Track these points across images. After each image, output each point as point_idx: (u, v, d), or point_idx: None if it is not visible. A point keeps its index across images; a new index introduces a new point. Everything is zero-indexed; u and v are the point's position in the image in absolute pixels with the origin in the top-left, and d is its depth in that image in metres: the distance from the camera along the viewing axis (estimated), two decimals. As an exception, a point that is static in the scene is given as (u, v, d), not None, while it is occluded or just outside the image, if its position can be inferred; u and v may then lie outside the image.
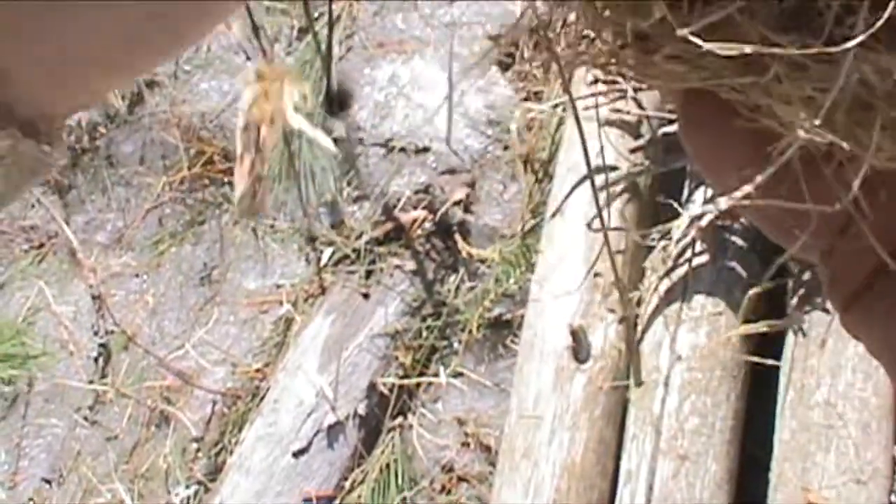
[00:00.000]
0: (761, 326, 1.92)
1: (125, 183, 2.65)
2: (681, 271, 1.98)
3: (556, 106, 2.32)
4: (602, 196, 1.91)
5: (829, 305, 1.90)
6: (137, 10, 0.42)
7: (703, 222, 1.97)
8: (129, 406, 2.39)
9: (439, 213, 2.38)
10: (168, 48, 0.46)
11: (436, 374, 2.26)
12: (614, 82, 2.03)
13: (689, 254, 1.99)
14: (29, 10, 0.41)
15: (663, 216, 2.05)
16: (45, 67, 0.43)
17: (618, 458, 1.91)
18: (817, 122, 0.42)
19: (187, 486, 2.27)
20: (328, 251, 2.43)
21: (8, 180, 0.44)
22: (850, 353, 1.85)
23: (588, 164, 1.69)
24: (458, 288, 2.33)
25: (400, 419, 2.22)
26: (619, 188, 2.05)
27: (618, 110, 2.12)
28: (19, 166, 0.44)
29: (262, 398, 2.26)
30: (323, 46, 2.49)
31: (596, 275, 1.99)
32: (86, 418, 2.41)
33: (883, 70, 0.41)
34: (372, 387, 2.21)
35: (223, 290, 2.49)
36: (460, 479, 2.17)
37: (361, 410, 2.19)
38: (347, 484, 2.15)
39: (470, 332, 2.26)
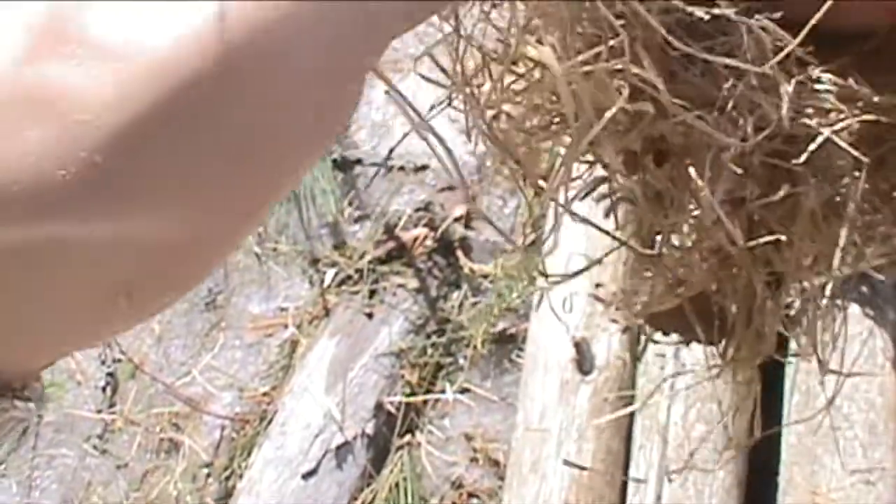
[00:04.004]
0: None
1: (127, 212, 2.66)
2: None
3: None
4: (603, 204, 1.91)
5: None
6: (107, 282, 0.41)
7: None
8: (138, 434, 2.40)
9: (440, 231, 2.38)
10: (137, 319, 0.45)
11: (442, 391, 2.26)
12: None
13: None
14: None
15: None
16: (16, 336, 0.42)
17: (626, 468, 1.91)
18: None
19: (198, 512, 2.28)
20: (331, 272, 2.43)
21: None
22: (854, 353, 1.85)
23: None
24: (461, 304, 2.34)
25: (408, 437, 2.22)
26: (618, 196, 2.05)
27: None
28: None
29: (270, 421, 2.26)
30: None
31: (598, 285, 1.99)
32: (95, 447, 2.41)
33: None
34: (379, 406, 2.21)
35: (228, 315, 2.50)
36: (470, 494, 2.17)
37: (369, 430, 2.19)
38: (358, 504, 2.15)
39: (475, 347, 2.26)
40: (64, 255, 0.39)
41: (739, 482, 1.85)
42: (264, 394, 2.36)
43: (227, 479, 2.29)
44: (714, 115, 0.52)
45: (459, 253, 2.37)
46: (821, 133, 0.52)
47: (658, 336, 0.67)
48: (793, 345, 1.84)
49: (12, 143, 0.38)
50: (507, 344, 2.27)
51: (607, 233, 0.64)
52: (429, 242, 2.39)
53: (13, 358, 0.42)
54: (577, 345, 1.95)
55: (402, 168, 2.52)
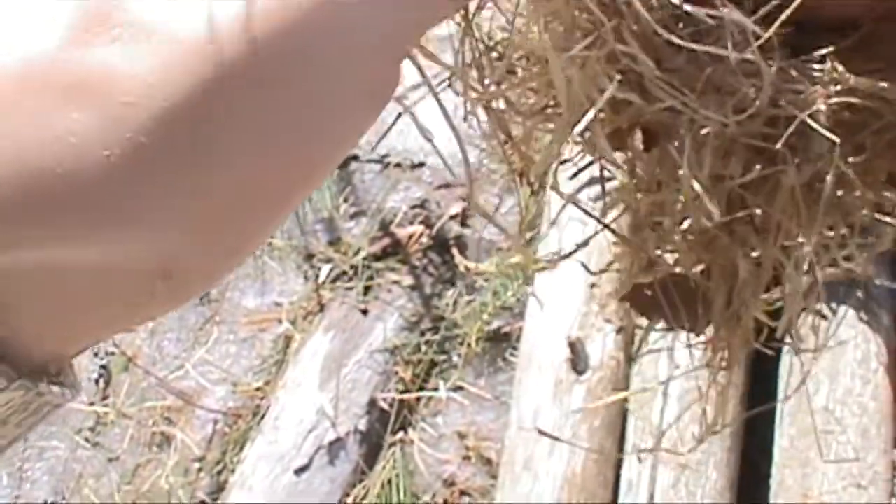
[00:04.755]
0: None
1: (123, 204, 2.65)
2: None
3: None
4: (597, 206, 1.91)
5: (826, 311, 1.90)
6: (133, 272, 0.41)
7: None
8: (130, 427, 2.40)
9: (436, 228, 2.38)
10: (173, 304, 0.45)
11: (436, 389, 2.26)
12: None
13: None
14: (26, 277, 0.40)
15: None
16: (49, 326, 0.42)
17: (618, 468, 1.91)
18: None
19: (190, 506, 2.28)
20: (326, 268, 2.43)
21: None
22: (848, 358, 1.85)
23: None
24: (456, 302, 2.34)
25: (401, 434, 2.22)
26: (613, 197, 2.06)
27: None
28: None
29: (263, 416, 2.26)
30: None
31: (593, 286, 2.00)
32: (87, 440, 2.41)
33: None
34: (372, 402, 2.22)
35: (222, 310, 2.50)
36: (462, 492, 2.17)
37: (362, 426, 2.19)
38: (350, 500, 2.14)
39: (469, 345, 2.27)
40: (105, 237, 0.39)
41: (731, 484, 1.85)
42: (257, 388, 2.36)
43: (219, 473, 2.29)
44: (696, 98, 0.54)
45: (455, 251, 2.37)
46: (798, 115, 0.53)
47: (643, 322, 0.68)
48: (785, 348, 1.84)
49: (56, 126, 0.38)
50: (502, 342, 2.27)
51: (589, 213, 0.65)
52: (424, 240, 2.39)
53: (48, 341, 0.42)
54: (571, 344, 1.95)
55: (398, 165, 2.52)
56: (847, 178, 0.56)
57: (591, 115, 0.54)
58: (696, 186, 0.56)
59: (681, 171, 0.55)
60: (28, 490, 2.39)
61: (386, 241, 2.41)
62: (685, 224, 0.62)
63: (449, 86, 0.61)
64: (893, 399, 1.83)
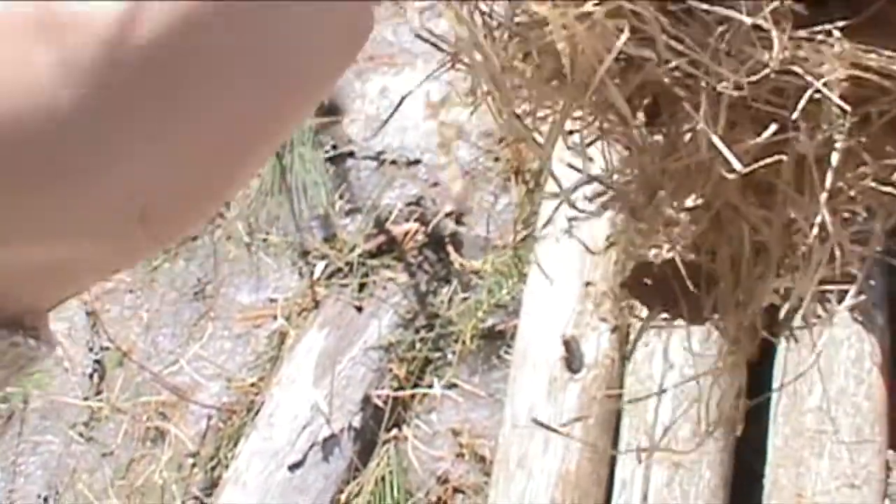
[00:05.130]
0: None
1: (118, 199, 2.65)
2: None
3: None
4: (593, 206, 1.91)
5: (820, 311, 1.90)
6: (108, 211, 0.41)
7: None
8: (124, 422, 2.39)
9: (431, 225, 2.38)
10: (153, 246, 0.45)
11: (430, 386, 2.26)
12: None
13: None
14: (12, 219, 0.40)
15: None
16: (27, 273, 0.42)
17: (612, 466, 1.91)
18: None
19: (183, 502, 2.28)
20: (321, 265, 2.43)
21: None
22: (842, 357, 1.86)
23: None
24: (451, 299, 2.34)
25: (395, 431, 2.22)
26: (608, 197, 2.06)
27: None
28: (4, 363, 0.43)
29: (257, 412, 2.26)
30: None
31: (588, 284, 2.00)
32: (81, 435, 2.41)
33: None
34: (366, 399, 2.22)
35: (217, 305, 2.50)
36: (456, 490, 2.17)
37: (356, 423, 2.19)
38: (343, 497, 2.14)
39: (463, 343, 2.27)
40: (77, 176, 0.39)
41: (725, 484, 1.85)
42: (252, 384, 2.36)
43: (213, 469, 2.29)
44: (707, 60, 0.54)
45: (450, 248, 2.37)
46: (810, 83, 0.53)
47: (643, 313, 0.68)
48: (780, 347, 1.84)
49: (25, 68, 0.38)
50: (496, 340, 2.27)
51: (593, 177, 0.64)
52: (419, 237, 2.39)
53: (25, 292, 0.42)
54: (566, 342, 1.95)
55: (394, 162, 2.52)
56: (855, 151, 0.57)
57: (603, 67, 0.54)
58: (714, 140, 0.56)
59: (699, 126, 0.55)
60: (22, 484, 2.39)
61: (381, 238, 2.41)
62: (692, 197, 0.62)
63: (452, 66, 0.61)
64: (887, 399, 1.83)
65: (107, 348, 2.48)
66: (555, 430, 1.88)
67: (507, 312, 2.28)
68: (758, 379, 1.92)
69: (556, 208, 0.68)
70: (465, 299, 2.33)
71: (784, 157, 0.57)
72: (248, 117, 0.42)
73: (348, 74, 2.63)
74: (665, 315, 0.68)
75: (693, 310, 0.66)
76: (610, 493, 1.89)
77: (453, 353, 2.28)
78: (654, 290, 0.66)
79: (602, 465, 1.91)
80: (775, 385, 1.88)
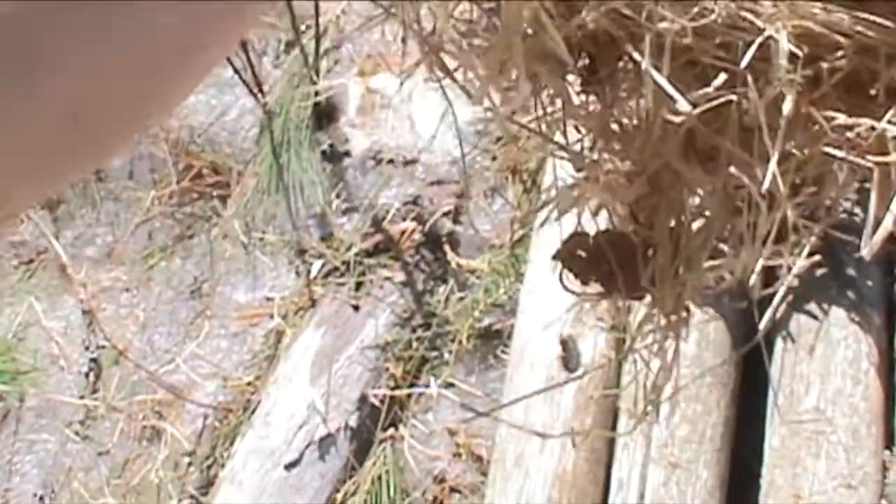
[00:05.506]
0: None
1: (114, 198, 2.65)
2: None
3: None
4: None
5: (816, 311, 1.91)
6: (42, 119, 0.43)
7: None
8: (120, 421, 2.39)
9: (428, 225, 2.38)
10: (87, 156, 0.47)
11: (426, 385, 2.26)
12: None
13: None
14: None
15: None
16: None
17: (609, 466, 1.91)
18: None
19: (179, 501, 2.27)
20: (318, 263, 2.43)
21: None
22: (839, 358, 1.86)
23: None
24: (447, 299, 2.34)
25: (391, 431, 2.22)
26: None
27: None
28: None
29: (254, 411, 2.26)
30: (310, 59, 2.49)
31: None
32: (77, 433, 2.40)
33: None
34: (363, 399, 2.21)
35: (213, 304, 2.49)
36: (452, 489, 2.17)
37: (353, 422, 2.19)
38: (339, 496, 2.14)
39: (460, 342, 2.27)
40: (21, 78, 0.41)
41: (722, 483, 1.85)
42: (248, 383, 2.35)
43: (209, 467, 2.29)
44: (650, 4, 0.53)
45: (447, 247, 2.37)
46: (760, 31, 0.53)
47: (577, 288, 0.67)
48: (777, 348, 1.84)
49: None
50: (493, 339, 2.27)
51: (534, 131, 0.64)
52: (416, 236, 2.38)
53: None
54: (563, 342, 1.95)
55: (390, 161, 2.51)
56: (806, 112, 0.56)
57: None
58: (659, 79, 0.55)
59: (644, 66, 0.55)
60: (17, 483, 2.39)
61: (378, 237, 2.41)
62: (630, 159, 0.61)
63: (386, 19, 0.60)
64: (884, 399, 1.83)
65: (103, 347, 2.48)
66: (550, 436, 1.88)
67: (503, 312, 2.28)
68: (753, 379, 1.93)
69: (553, 204, 0.67)
70: (461, 298, 2.33)
71: (734, 98, 0.55)
72: (162, 39, 0.45)
73: (345, 73, 2.63)
74: (600, 288, 0.67)
75: (629, 282, 0.65)
76: (607, 493, 1.89)
77: (450, 352, 2.28)
78: (589, 262, 0.65)
79: (599, 465, 1.91)
80: (772, 386, 1.88)
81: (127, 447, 2.37)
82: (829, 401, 1.83)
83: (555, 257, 0.66)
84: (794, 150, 0.57)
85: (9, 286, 2.61)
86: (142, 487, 2.31)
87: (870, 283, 1.92)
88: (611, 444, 1.93)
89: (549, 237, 2.07)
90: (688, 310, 0.66)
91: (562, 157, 0.64)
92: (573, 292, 0.66)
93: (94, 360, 2.48)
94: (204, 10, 0.47)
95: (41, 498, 2.36)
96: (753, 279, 0.63)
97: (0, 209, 0.47)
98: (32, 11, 0.42)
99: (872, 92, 0.56)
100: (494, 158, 2.43)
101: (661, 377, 0.70)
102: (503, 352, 2.22)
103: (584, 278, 0.66)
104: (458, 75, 0.60)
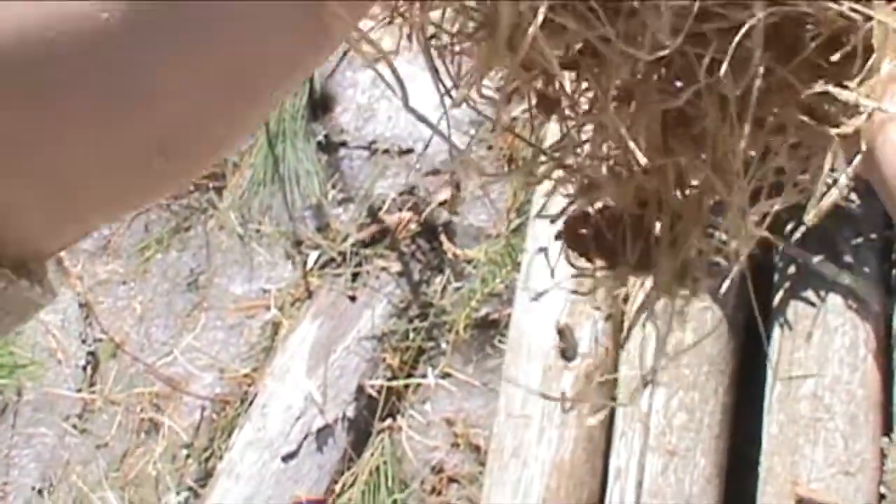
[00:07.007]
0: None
1: (110, 190, 2.64)
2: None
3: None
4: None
5: (814, 298, 1.90)
6: (130, 147, 0.42)
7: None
8: (118, 413, 2.39)
9: (424, 215, 2.38)
10: (169, 183, 0.46)
11: (424, 376, 2.26)
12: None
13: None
14: (28, 151, 0.40)
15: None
16: (40, 203, 0.42)
17: (607, 455, 1.91)
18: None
19: (178, 493, 2.27)
20: (314, 254, 2.42)
21: (1, 322, 0.43)
22: (836, 345, 1.85)
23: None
24: (444, 289, 2.33)
25: (389, 421, 2.22)
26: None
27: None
28: (8, 310, 0.43)
29: (251, 403, 2.26)
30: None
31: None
32: (75, 426, 2.40)
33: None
34: (360, 389, 2.21)
35: (210, 296, 2.49)
36: (450, 479, 2.17)
37: (350, 413, 2.19)
38: (337, 487, 2.14)
39: (457, 332, 2.26)
40: (97, 108, 0.40)
41: (720, 471, 1.85)
42: (245, 375, 2.35)
43: (207, 459, 2.29)
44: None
45: (443, 237, 2.37)
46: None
47: (581, 262, 0.67)
48: (774, 335, 1.84)
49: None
50: (490, 329, 2.27)
51: (525, 141, 0.64)
52: (413, 226, 2.38)
53: (31, 231, 0.43)
54: (560, 331, 1.94)
55: (386, 151, 2.51)
56: (782, 78, 0.55)
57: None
58: (623, 133, 0.55)
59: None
60: (15, 476, 2.39)
61: (374, 227, 2.40)
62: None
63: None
64: (882, 386, 1.83)
65: (100, 340, 2.48)
66: (556, 399, 1.88)
67: (500, 301, 2.27)
68: (751, 366, 1.92)
69: (551, 194, 0.67)
70: (458, 288, 2.33)
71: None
72: (255, 61, 0.45)
73: (340, 64, 2.63)
74: (601, 264, 0.67)
75: (631, 256, 0.65)
76: (605, 482, 1.89)
77: (447, 342, 2.28)
78: (591, 239, 0.65)
79: (597, 454, 1.91)
80: (770, 373, 1.88)
81: (125, 440, 2.37)
82: (826, 388, 1.82)
83: (557, 237, 0.66)
84: (770, 116, 0.57)
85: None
86: (140, 480, 2.31)
87: (867, 269, 1.91)
88: (609, 433, 1.93)
89: (544, 226, 2.06)
90: (695, 279, 0.66)
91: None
92: (578, 269, 0.66)
93: (91, 352, 2.48)
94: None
95: (39, 491, 2.36)
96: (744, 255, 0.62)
97: (78, 232, 0.46)
98: (140, 33, 0.41)
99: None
100: (490, 148, 2.42)
101: (660, 347, 0.70)
102: (500, 341, 2.21)
103: (588, 256, 0.66)
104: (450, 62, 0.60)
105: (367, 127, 2.55)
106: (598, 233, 0.65)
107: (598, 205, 0.65)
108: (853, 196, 1.96)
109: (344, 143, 2.55)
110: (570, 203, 0.64)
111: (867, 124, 0.54)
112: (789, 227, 1.96)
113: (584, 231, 0.65)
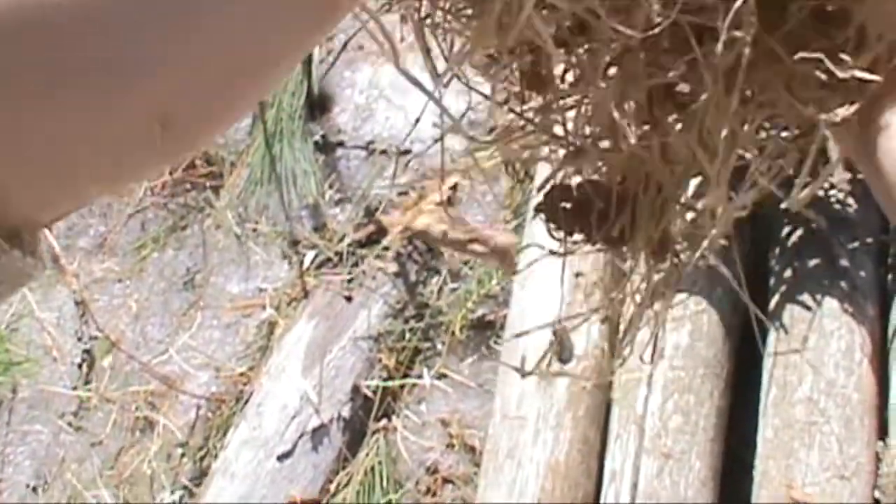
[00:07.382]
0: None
1: (107, 188, 2.64)
2: (663, 270, 1.98)
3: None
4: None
5: (810, 302, 1.90)
6: (131, 119, 0.42)
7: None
8: (113, 411, 2.39)
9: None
10: (168, 157, 0.46)
11: (419, 376, 2.26)
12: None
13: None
14: (26, 121, 0.40)
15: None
16: (37, 174, 0.42)
17: (602, 457, 1.91)
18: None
19: (172, 491, 2.27)
20: (310, 254, 2.42)
21: None
22: (832, 349, 1.86)
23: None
24: (440, 289, 2.33)
25: (384, 421, 2.22)
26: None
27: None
28: (0, 279, 0.43)
29: (247, 402, 2.26)
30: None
31: (578, 275, 1.99)
32: (70, 424, 2.40)
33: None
34: (356, 389, 2.21)
35: (206, 295, 2.49)
36: (445, 480, 2.17)
37: (345, 413, 2.19)
38: (332, 487, 2.14)
39: (453, 333, 2.26)
40: (96, 78, 0.40)
41: (715, 474, 1.85)
42: (241, 374, 2.35)
43: (202, 458, 2.28)
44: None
45: (440, 238, 2.37)
46: None
47: (558, 234, 0.66)
48: (770, 339, 1.84)
49: None
50: (486, 330, 2.27)
51: (516, 113, 0.64)
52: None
53: (27, 200, 0.43)
54: (556, 333, 1.94)
55: (383, 152, 2.51)
56: (767, 54, 0.55)
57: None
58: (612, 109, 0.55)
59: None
60: (10, 474, 2.38)
61: (371, 227, 2.40)
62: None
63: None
64: (877, 390, 1.83)
65: (96, 338, 2.48)
66: (565, 375, 1.87)
67: (496, 302, 2.28)
68: (747, 368, 1.92)
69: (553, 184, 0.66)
70: (454, 289, 2.33)
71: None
72: (257, 36, 0.45)
73: (338, 64, 2.63)
74: (581, 238, 0.66)
75: (611, 229, 0.65)
76: (600, 484, 1.89)
77: (443, 343, 2.28)
78: (572, 213, 0.65)
79: (592, 456, 1.91)
80: (765, 377, 1.88)
81: (120, 438, 2.37)
82: (822, 392, 1.82)
83: (537, 209, 0.65)
84: (756, 90, 0.57)
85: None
86: (135, 478, 2.31)
87: (863, 273, 1.92)
88: (604, 435, 1.93)
89: (541, 227, 2.06)
90: (676, 255, 0.66)
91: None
92: (559, 241, 0.66)
93: (86, 350, 2.48)
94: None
95: (34, 489, 2.36)
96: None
97: (73, 204, 0.46)
98: (137, 11, 0.41)
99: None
100: (486, 149, 2.42)
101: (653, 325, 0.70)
102: (496, 342, 2.21)
103: (568, 229, 0.66)
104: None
105: (364, 127, 2.55)
106: (579, 205, 0.65)
107: (580, 179, 0.65)
108: (850, 200, 1.96)
109: (341, 144, 2.55)
110: (557, 170, 0.64)
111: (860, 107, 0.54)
112: (788, 228, 1.96)
113: (565, 205, 0.65)
